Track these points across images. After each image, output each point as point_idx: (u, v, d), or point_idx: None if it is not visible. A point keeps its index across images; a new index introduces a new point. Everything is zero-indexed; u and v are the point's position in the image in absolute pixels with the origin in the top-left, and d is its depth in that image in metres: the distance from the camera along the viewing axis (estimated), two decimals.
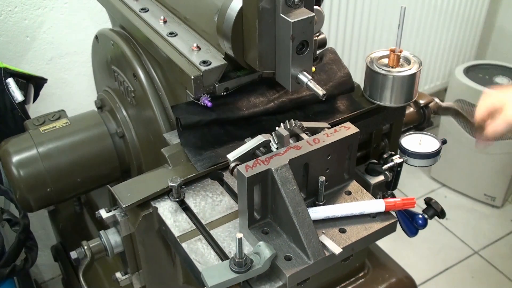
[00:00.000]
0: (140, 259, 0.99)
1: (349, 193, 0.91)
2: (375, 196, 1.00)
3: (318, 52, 1.11)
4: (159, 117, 1.16)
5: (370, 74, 1.07)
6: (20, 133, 1.29)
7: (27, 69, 1.70)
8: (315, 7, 0.91)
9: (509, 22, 2.90)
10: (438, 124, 2.79)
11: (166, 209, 0.91)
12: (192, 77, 0.97)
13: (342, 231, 0.84)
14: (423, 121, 1.24)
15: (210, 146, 0.99)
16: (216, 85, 1.00)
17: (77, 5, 1.76)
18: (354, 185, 0.93)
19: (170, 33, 1.09)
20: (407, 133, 1.04)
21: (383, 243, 1.12)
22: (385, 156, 1.06)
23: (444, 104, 1.23)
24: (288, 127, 0.88)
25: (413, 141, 1.02)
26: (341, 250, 0.79)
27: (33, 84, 1.57)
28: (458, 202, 2.75)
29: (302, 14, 0.83)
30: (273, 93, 1.05)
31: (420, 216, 0.94)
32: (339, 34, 2.34)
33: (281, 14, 0.83)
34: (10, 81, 1.46)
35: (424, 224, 0.94)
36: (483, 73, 2.60)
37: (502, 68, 2.63)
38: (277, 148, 0.86)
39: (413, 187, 2.79)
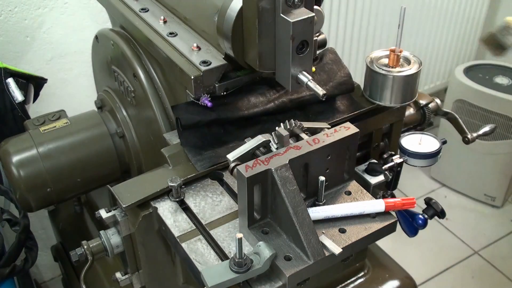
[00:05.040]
0: (140, 259, 0.99)
1: (349, 193, 0.91)
2: (375, 196, 1.00)
3: (318, 52, 1.11)
4: (159, 117, 1.16)
5: (370, 74, 1.07)
6: (20, 133, 1.29)
7: (27, 69, 1.70)
8: (315, 7, 0.91)
9: None
10: (438, 124, 2.79)
11: (166, 209, 0.91)
12: (192, 77, 0.97)
13: (342, 231, 0.84)
14: (423, 121, 1.24)
15: (210, 146, 0.99)
16: (216, 85, 1.00)
17: (77, 5, 1.76)
18: (354, 185, 0.93)
19: (170, 33, 1.09)
20: (407, 133, 1.04)
21: (383, 243, 1.12)
22: (385, 156, 1.06)
23: (444, 109, 1.24)
24: (288, 127, 0.88)
25: (413, 141, 1.02)
26: (341, 250, 0.79)
27: (33, 84, 1.57)
28: (458, 202, 2.75)
29: (302, 14, 0.83)
30: (273, 93, 1.05)
31: (420, 216, 0.94)
32: (339, 34, 2.34)
33: (281, 14, 0.83)
34: (10, 81, 1.46)
35: (424, 224, 0.94)
36: (483, 73, 2.60)
37: (502, 68, 2.63)
38: (277, 148, 0.86)
39: (413, 187, 2.79)
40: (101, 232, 0.98)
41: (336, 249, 0.78)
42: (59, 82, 1.86)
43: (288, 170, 0.80)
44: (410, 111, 1.22)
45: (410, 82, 1.05)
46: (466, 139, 1.21)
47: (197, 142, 0.99)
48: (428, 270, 2.39)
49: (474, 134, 1.20)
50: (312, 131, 0.91)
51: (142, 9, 1.19)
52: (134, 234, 0.94)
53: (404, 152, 1.01)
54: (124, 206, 0.89)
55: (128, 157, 1.32)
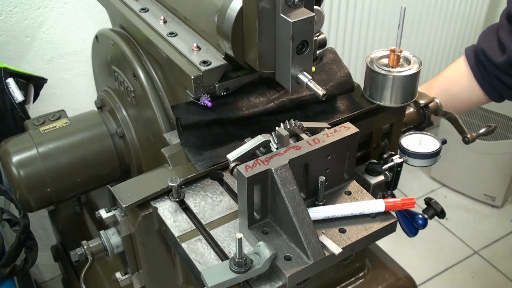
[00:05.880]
0: (140, 259, 0.99)
1: (349, 193, 0.91)
2: (375, 196, 1.00)
3: (318, 52, 1.11)
4: (159, 117, 1.16)
5: (370, 74, 1.07)
6: (20, 133, 1.29)
7: (27, 69, 1.71)
8: (315, 7, 0.91)
9: None
10: (438, 124, 2.79)
11: (166, 209, 0.91)
12: (192, 77, 0.97)
13: (342, 231, 0.84)
14: (423, 121, 1.24)
15: (210, 146, 0.99)
16: (216, 85, 1.00)
17: (77, 5, 1.76)
18: (354, 185, 0.93)
19: (170, 33, 1.09)
20: (407, 133, 1.04)
21: (383, 243, 1.12)
22: (385, 156, 1.06)
23: (443, 108, 1.24)
24: (288, 127, 0.88)
25: (413, 141, 1.02)
26: (341, 250, 0.79)
27: (33, 84, 1.57)
28: (458, 202, 2.75)
29: (302, 14, 0.83)
30: (273, 93, 1.05)
31: (420, 216, 0.94)
32: (339, 34, 2.35)
33: (281, 14, 0.83)
34: (10, 81, 1.46)
35: (424, 224, 0.94)
36: None
37: None
38: (277, 148, 0.86)
39: (413, 187, 2.79)
40: (101, 232, 0.98)
41: (336, 249, 0.78)
42: (59, 82, 1.86)
43: (288, 170, 0.80)
44: (410, 111, 1.22)
45: (410, 82, 1.05)
46: (466, 139, 1.21)
47: (197, 142, 0.99)
48: (428, 270, 2.39)
49: (474, 134, 1.21)
50: (312, 131, 0.91)
51: (142, 9, 1.19)
52: (134, 234, 0.94)
53: (404, 152, 1.01)
54: (124, 206, 0.89)
55: (128, 157, 1.32)
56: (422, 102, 1.22)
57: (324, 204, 0.88)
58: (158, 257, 1.00)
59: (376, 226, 0.85)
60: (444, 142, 1.02)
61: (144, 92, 1.18)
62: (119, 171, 1.33)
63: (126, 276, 1.03)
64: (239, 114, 1.00)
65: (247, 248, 0.82)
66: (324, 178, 0.86)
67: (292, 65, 0.88)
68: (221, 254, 0.83)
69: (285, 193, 0.78)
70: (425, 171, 2.89)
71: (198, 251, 0.84)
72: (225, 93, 1.02)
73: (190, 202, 0.92)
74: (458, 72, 1.41)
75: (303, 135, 0.89)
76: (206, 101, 0.98)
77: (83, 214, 1.66)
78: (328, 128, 0.91)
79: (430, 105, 1.22)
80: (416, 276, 1.33)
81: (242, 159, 0.86)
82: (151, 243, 0.97)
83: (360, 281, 1.21)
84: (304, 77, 0.88)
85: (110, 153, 1.31)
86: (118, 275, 1.05)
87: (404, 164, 1.03)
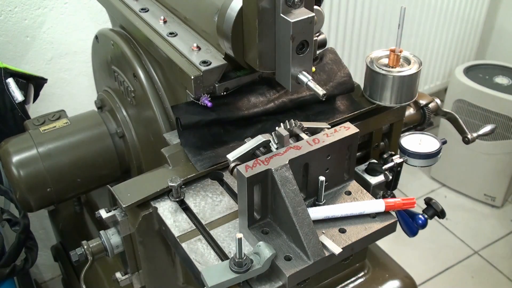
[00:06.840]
0: (140, 259, 0.99)
1: (349, 193, 0.91)
2: (375, 196, 1.00)
3: (318, 52, 1.11)
4: (159, 117, 1.16)
5: (370, 74, 1.07)
6: (20, 133, 1.29)
7: (27, 69, 1.71)
8: (315, 7, 0.91)
9: (509, 22, 2.90)
10: (438, 124, 2.79)
11: (166, 209, 0.91)
12: (192, 77, 0.97)
13: (342, 231, 0.84)
14: (423, 121, 1.24)
15: (210, 146, 0.99)
16: (216, 85, 1.00)
17: (77, 5, 1.76)
18: (354, 185, 0.93)
19: (170, 33, 1.09)
20: (407, 133, 1.04)
21: (383, 243, 1.12)
22: (385, 156, 1.06)
23: (444, 109, 1.24)
24: (288, 127, 0.88)
25: (413, 141, 1.02)
26: (341, 250, 0.79)
27: (33, 84, 1.57)
28: (458, 202, 2.75)
29: (302, 14, 0.83)
30: (273, 93, 1.05)
31: (420, 216, 0.94)
32: (339, 34, 2.34)
33: (281, 14, 0.83)
34: (10, 81, 1.46)
35: (424, 224, 0.94)
36: (483, 73, 2.60)
37: (502, 68, 2.63)
38: (277, 148, 0.86)
39: (413, 187, 2.79)
40: (101, 232, 0.98)
41: (336, 249, 0.78)
42: (59, 82, 1.86)
43: (288, 170, 0.80)
44: (410, 111, 1.22)
45: (410, 82, 1.05)
46: (466, 139, 1.21)
47: (197, 142, 0.99)
48: (428, 270, 2.38)
49: (474, 134, 1.21)
50: (312, 131, 0.91)
51: (142, 9, 1.19)
52: (134, 234, 0.94)
53: (404, 152, 1.01)
54: (124, 206, 0.89)
55: (128, 157, 1.32)
56: (422, 102, 1.22)
57: (324, 204, 0.88)
58: (158, 257, 1.00)
59: (376, 226, 0.85)
60: (444, 142, 1.02)
61: (144, 92, 1.18)
62: (119, 171, 1.33)
63: (126, 276, 1.03)
64: (239, 114, 1.00)
65: (247, 248, 0.82)
66: (324, 178, 0.86)
67: (292, 65, 0.87)
68: (221, 254, 0.83)
69: (285, 193, 0.78)
70: (425, 171, 2.89)
71: (198, 251, 0.84)
72: (225, 93, 1.02)
73: (190, 202, 0.92)
74: None
75: (303, 135, 0.89)
76: (206, 101, 0.98)
77: (83, 214, 1.66)
78: (328, 128, 0.91)
79: (430, 105, 1.22)
80: (416, 276, 1.33)
81: (242, 159, 0.86)
82: (151, 243, 0.97)
83: (360, 281, 1.21)
84: (304, 77, 0.88)
85: (110, 153, 1.31)
86: (118, 275, 1.05)
87: (404, 164, 1.03)
